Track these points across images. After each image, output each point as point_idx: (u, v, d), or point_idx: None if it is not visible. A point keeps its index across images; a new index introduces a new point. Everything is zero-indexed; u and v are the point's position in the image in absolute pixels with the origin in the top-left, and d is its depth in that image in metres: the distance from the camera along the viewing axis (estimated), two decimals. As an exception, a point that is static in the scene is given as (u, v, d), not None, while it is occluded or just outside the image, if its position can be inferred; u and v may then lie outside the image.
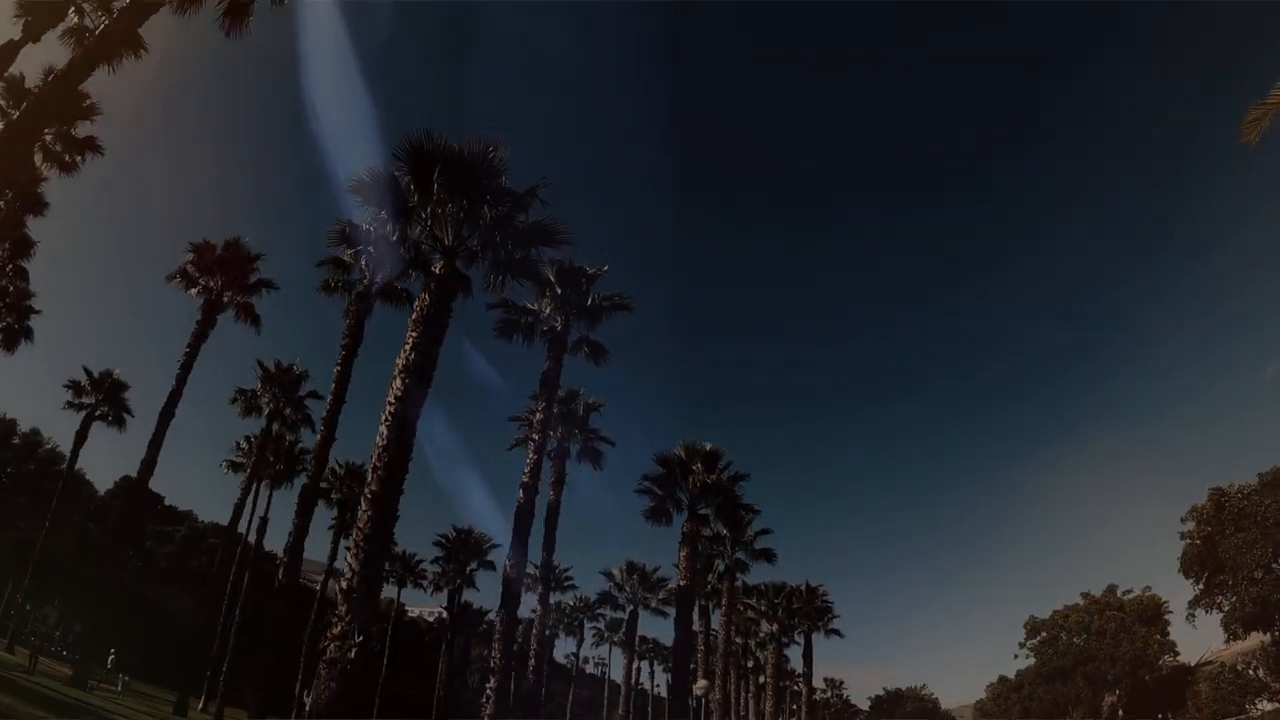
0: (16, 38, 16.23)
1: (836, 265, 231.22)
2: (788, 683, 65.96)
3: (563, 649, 67.26)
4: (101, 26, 17.27)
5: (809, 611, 44.51)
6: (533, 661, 22.92)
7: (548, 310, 21.10)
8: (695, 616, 33.87)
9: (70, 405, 33.86)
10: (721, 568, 35.58)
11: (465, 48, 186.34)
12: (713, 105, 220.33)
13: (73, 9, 16.79)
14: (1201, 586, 35.65)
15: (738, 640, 52.42)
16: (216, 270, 28.23)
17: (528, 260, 16.84)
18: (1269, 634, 32.98)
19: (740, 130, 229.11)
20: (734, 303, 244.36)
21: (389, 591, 51.86)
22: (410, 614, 71.98)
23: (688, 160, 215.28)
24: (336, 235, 18.46)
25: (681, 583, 26.49)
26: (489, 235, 16.12)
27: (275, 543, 32.05)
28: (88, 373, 34.11)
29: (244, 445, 35.91)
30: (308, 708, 12.41)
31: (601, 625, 60.46)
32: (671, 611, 32.56)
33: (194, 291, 28.06)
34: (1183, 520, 36.56)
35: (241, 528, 34.78)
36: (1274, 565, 31.64)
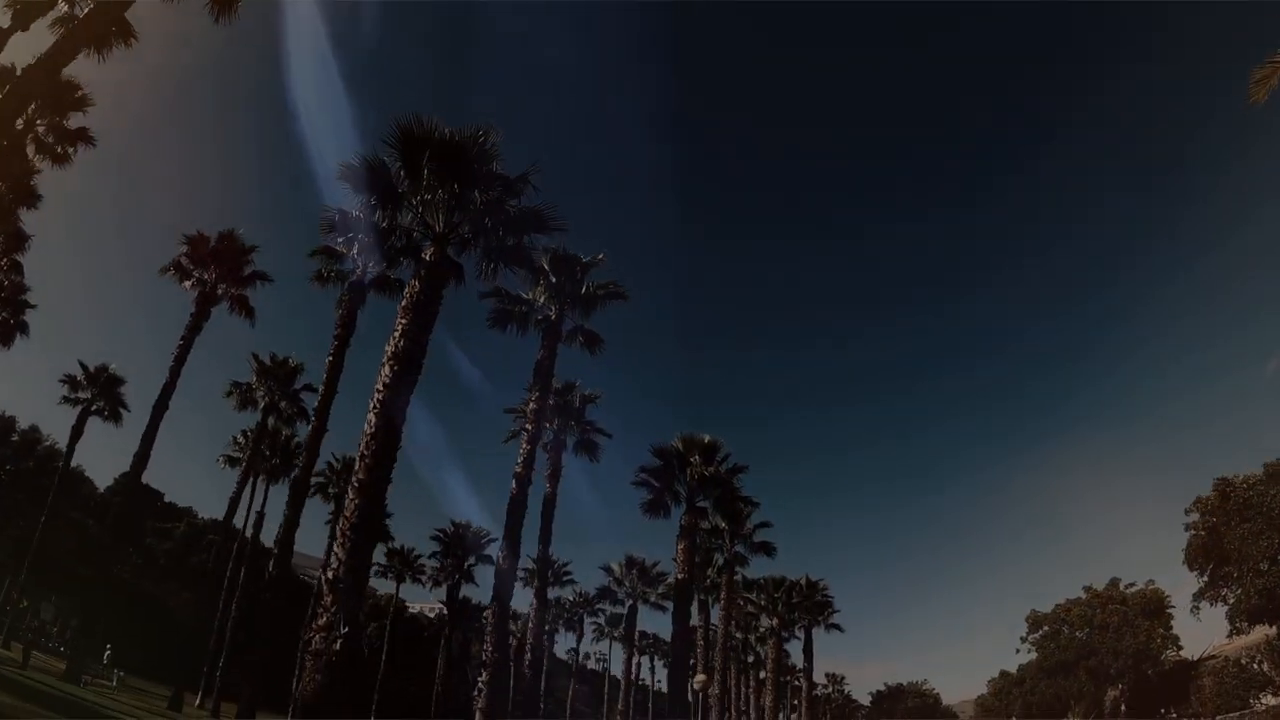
0: (6, 26, 16.07)
1: (836, 262, 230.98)
2: (788, 678, 65.75)
3: (564, 645, 67.40)
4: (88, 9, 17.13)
5: (809, 606, 44.22)
6: (529, 655, 22.72)
7: (542, 299, 20.83)
8: (694, 611, 33.67)
9: (66, 400, 33.70)
10: (720, 561, 35.29)
11: (465, 48, 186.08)
12: (712, 105, 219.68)
13: (62, -2, 16.56)
14: (1206, 579, 35.29)
15: (738, 635, 52.25)
16: (211, 262, 27.98)
17: (520, 247, 16.60)
18: (1275, 626, 32.63)
19: (740, 130, 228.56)
20: (734, 301, 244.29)
21: (388, 587, 51.93)
22: (411, 610, 71.97)
23: (687, 159, 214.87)
24: (327, 223, 18.22)
25: (679, 576, 26.23)
26: (480, 221, 15.90)
27: (272, 537, 31.88)
28: (83, 367, 33.92)
29: (240, 440, 35.74)
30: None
31: (602, 621, 60.43)
32: (671, 606, 32.30)
33: (188, 284, 27.82)
34: (1187, 512, 36.16)
35: (239, 522, 34.69)
36: None
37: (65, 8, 18.37)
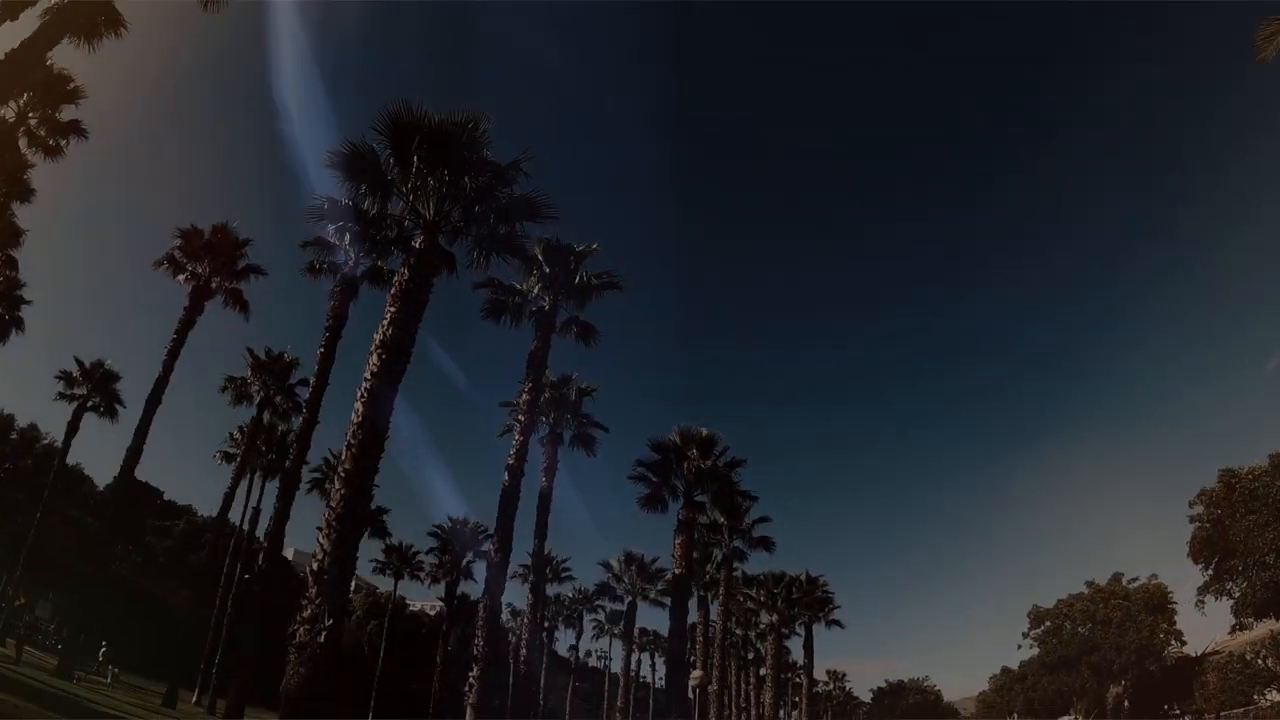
0: (-4, 15, 15.84)
1: (836, 262, 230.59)
2: (788, 675, 65.53)
3: (564, 642, 67.22)
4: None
5: (809, 602, 43.96)
6: (524, 651, 22.52)
7: (536, 290, 20.56)
8: (693, 607, 33.40)
9: (62, 396, 33.55)
10: (719, 556, 35.04)
11: (464, 48, 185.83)
12: (712, 105, 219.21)
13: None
14: (1211, 572, 34.87)
15: (737, 631, 52.02)
16: (205, 256, 27.75)
17: (512, 235, 16.36)
18: (1280, 621, 32.28)
19: (740, 130, 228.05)
20: (734, 300, 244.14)
21: (388, 584, 51.72)
22: (412, 607, 71.97)
23: (687, 159, 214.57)
24: (316, 213, 17.95)
25: (677, 571, 25.95)
26: (471, 209, 15.67)
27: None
28: (79, 363, 33.77)
29: (236, 436, 35.56)
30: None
31: (601, 617, 60.24)
32: (670, 602, 32.10)
33: (182, 278, 27.60)
34: (1191, 504, 35.65)
35: (235, 519, 34.50)
36: (1285, 550, 30.88)
37: (55, -2, 18.14)
